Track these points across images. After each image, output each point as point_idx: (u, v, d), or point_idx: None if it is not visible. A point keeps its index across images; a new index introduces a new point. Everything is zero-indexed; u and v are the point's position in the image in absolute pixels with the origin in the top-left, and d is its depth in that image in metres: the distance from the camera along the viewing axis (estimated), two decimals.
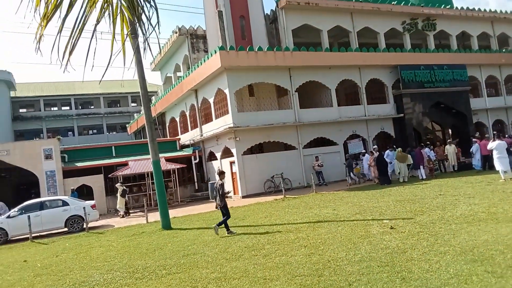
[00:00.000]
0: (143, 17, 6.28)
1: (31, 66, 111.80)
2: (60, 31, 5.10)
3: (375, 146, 21.38)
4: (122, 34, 5.55)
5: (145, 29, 5.98)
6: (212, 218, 14.82)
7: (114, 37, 5.15)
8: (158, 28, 8.24)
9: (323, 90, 24.96)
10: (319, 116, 23.80)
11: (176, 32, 28.75)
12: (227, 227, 11.00)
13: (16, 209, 16.10)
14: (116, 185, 21.37)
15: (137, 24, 5.76)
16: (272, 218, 12.81)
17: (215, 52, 21.21)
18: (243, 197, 21.11)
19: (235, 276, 6.58)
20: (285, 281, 5.93)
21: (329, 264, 6.57)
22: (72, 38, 5.20)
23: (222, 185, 11.04)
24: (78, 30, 5.16)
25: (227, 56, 20.94)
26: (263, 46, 22.76)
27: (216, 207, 11.66)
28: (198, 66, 23.78)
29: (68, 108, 49.66)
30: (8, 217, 15.74)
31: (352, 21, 26.58)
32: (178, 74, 32.03)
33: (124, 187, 20.56)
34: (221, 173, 11.12)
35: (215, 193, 11.30)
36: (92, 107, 51.39)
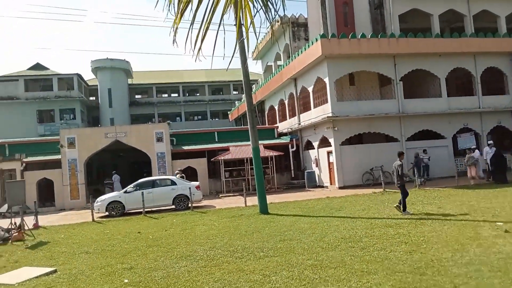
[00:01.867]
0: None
1: (145, 55, 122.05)
2: (192, 23, 5.56)
3: (491, 142, 19.40)
4: (245, 23, 5.83)
5: (271, 15, 6.20)
6: (308, 206, 14.94)
7: (239, 27, 5.46)
8: (284, 11, 8.42)
9: (431, 79, 23.32)
10: (425, 107, 22.35)
11: (278, 21, 29.07)
12: (404, 207, 11.44)
13: (132, 185, 17.95)
14: (175, 172, 22.61)
15: (265, 11, 6.01)
16: (370, 211, 12.49)
17: (316, 40, 21.04)
18: (340, 188, 20.84)
19: (331, 265, 6.61)
20: (383, 275, 5.80)
21: (432, 263, 6.26)
22: (202, 29, 5.63)
23: (401, 166, 11.70)
24: (206, 22, 5.56)
25: (328, 44, 20.64)
26: (366, 33, 21.96)
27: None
28: (298, 55, 23.83)
29: (176, 95, 53.37)
30: (125, 192, 17.62)
31: (468, 4, 24.25)
32: (279, 63, 32.44)
33: (183, 174, 21.50)
34: (401, 154, 12.06)
35: (394, 173, 12.06)
36: (198, 94, 54.53)
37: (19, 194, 14.17)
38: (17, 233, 12.84)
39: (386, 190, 17.84)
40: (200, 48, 2.74)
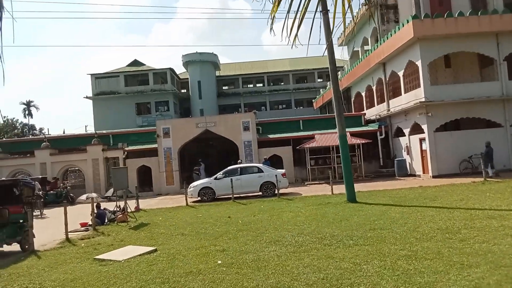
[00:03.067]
0: None
1: (232, 47, 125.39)
2: (288, 11, 5.68)
3: None
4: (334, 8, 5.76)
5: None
6: (399, 195, 14.31)
7: (335, 14, 5.46)
8: None
9: None
10: None
11: (365, 4, 27.90)
12: None
13: (221, 172, 18.72)
14: (238, 161, 22.91)
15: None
16: (469, 202, 11.60)
17: (407, 22, 19.83)
18: (434, 177, 19.61)
19: (427, 256, 6.28)
20: (486, 269, 5.38)
21: None
22: (298, 16, 5.73)
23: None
24: (303, 9, 5.62)
25: (420, 25, 19.35)
26: (464, 11, 20.16)
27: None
28: (387, 38, 22.70)
29: (261, 85, 54.20)
30: (215, 178, 18.44)
31: None
32: (366, 47, 31.22)
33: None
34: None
35: None
36: (282, 83, 54.80)
37: (123, 179, 15.58)
38: (121, 215, 14.14)
39: (487, 179, 16.39)
40: (296, 35, 2.76)
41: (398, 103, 23.23)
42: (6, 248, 10.44)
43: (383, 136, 25.08)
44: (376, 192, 16.05)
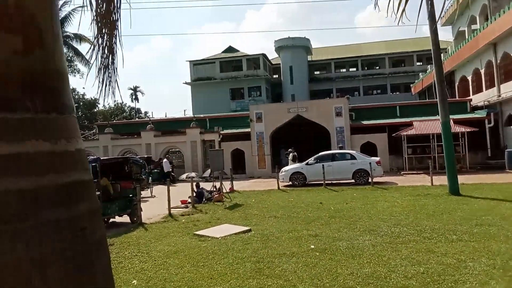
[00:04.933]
0: None
1: (324, 31, 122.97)
2: None
3: None
4: None
5: None
6: (510, 190, 12.97)
7: None
8: None
9: None
10: None
11: None
12: None
13: (312, 158, 18.66)
14: (288, 150, 22.23)
15: None
16: None
17: None
18: None
19: None
20: None
21: None
22: None
23: None
24: None
25: None
26: None
27: None
28: (499, 16, 20.39)
29: (355, 69, 52.48)
30: (307, 164, 18.44)
31: None
32: (473, 27, 28.43)
33: (295, 153, 21.31)
34: None
35: None
36: (377, 67, 52.47)
37: (219, 161, 16.34)
38: (217, 195, 14.87)
39: None
40: (403, 10, 2.57)
41: (511, 88, 20.89)
42: (117, 219, 11.65)
43: (491, 124, 22.80)
44: (483, 185, 14.73)
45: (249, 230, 8.96)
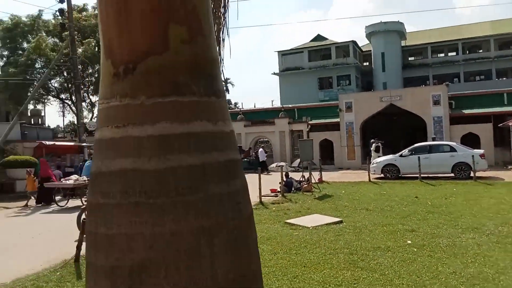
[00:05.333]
0: None
1: (419, 14, 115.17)
2: None
3: None
4: None
5: None
6: None
7: None
8: None
9: None
10: None
11: None
12: None
13: (407, 150, 17.77)
14: (371, 140, 21.03)
15: None
16: None
17: None
18: None
19: None
20: None
21: None
22: None
23: None
24: None
25: None
26: None
27: None
28: None
29: (454, 53, 48.49)
30: (401, 156, 17.61)
31: None
32: None
33: (379, 143, 20.14)
34: None
35: None
36: (480, 51, 47.90)
37: (309, 151, 16.34)
38: (306, 185, 14.91)
39: None
40: None
41: None
42: None
43: None
44: None
45: (341, 222, 8.87)
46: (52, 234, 9.66)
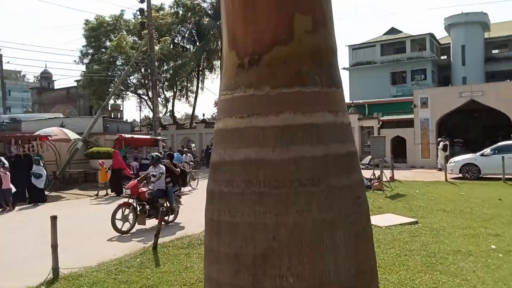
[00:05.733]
0: None
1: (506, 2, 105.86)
2: None
3: None
4: None
5: None
6: None
7: None
8: None
9: None
10: None
11: None
12: None
13: (489, 148, 16.53)
14: (438, 139, 19.94)
15: None
16: None
17: None
18: None
19: None
20: None
21: None
22: None
23: None
24: None
25: None
26: None
27: None
28: None
29: None
30: (482, 155, 16.41)
31: None
32: None
33: (447, 142, 19.10)
34: None
35: None
36: None
37: (380, 148, 15.81)
38: (377, 183, 14.44)
39: None
40: None
41: None
42: None
43: None
44: None
45: (416, 222, 8.49)
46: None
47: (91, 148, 20.10)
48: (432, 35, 43.14)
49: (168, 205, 9.76)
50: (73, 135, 18.83)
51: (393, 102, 29.47)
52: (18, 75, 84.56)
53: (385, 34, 47.48)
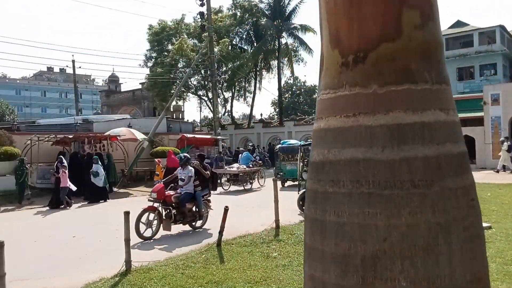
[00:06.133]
0: None
1: None
2: None
3: None
4: None
5: None
6: None
7: None
8: None
9: None
10: None
11: None
12: None
13: None
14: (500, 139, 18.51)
15: None
16: None
17: None
18: None
19: None
20: None
21: None
22: None
23: None
24: None
25: None
26: None
27: None
28: None
29: None
30: None
31: None
32: None
33: (510, 143, 17.84)
34: None
35: None
36: None
37: None
38: None
39: None
40: None
41: None
42: None
43: None
44: None
45: (489, 227, 8.02)
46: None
47: (156, 148, 21.06)
48: (502, 27, 40.31)
49: (196, 209, 9.12)
50: (139, 135, 19.80)
51: (460, 99, 27.82)
52: (88, 79, 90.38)
53: (450, 27, 45.05)
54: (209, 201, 9.69)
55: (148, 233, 8.44)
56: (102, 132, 19.95)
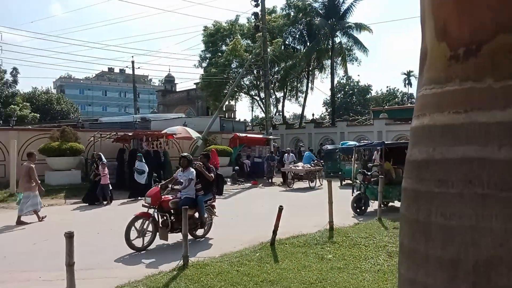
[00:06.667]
0: None
1: None
2: None
3: None
4: None
5: None
6: None
7: None
8: None
9: None
10: None
11: None
12: None
13: None
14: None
15: None
16: None
17: None
18: None
19: None
20: None
21: None
22: None
23: None
24: None
25: None
26: None
27: None
28: None
29: None
30: None
31: None
32: None
33: None
34: None
35: None
36: None
37: None
38: None
39: None
40: None
41: None
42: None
43: None
44: None
45: None
46: (250, 217, 10.88)
47: (209, 146, 21.49)
48: None
49: (198, 216, 8.09)
50: (194, 134, 20.29)
51: None
52: (146, 79, 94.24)
53: None
54: (213, 206, 8.61)
55: (139, 242, 7.46)
56: (159, 130, 20.62)
